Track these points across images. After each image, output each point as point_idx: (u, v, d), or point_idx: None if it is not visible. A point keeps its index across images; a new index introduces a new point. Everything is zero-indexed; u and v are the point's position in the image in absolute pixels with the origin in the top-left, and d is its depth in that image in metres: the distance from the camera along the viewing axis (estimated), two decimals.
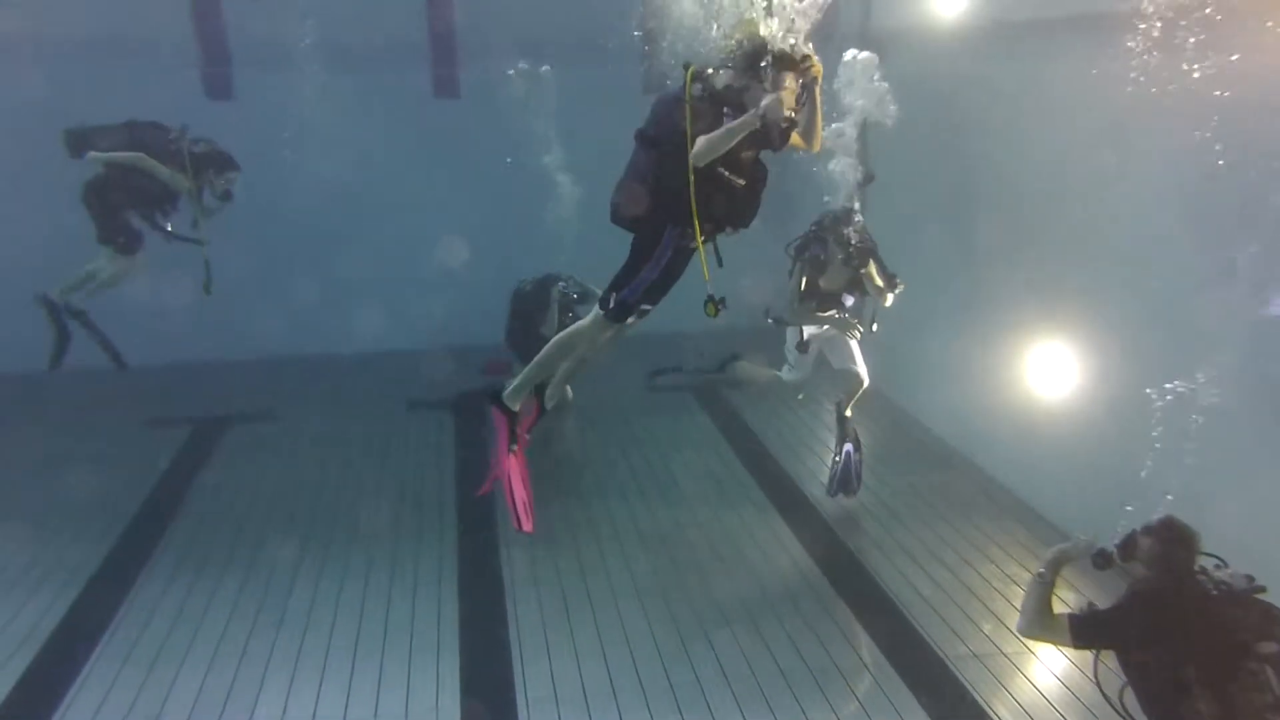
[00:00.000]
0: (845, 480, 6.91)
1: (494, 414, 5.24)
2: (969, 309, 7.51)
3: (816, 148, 4.66)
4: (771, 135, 4.39)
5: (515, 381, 5.14)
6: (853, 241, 6.38)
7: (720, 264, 4.80)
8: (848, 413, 6.87)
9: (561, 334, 5.03)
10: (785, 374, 7.33)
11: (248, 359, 9.62)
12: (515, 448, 5.24)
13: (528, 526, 5.24)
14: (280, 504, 7.05)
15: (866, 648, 5.35)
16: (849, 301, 6.64)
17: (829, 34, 6.97)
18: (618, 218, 4.84)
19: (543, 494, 7.04)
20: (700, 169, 4.38)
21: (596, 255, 8.70)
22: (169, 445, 8.04)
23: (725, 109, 4.41)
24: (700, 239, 4.49)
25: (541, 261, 8.32)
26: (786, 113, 4.27)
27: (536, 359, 5.08)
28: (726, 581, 6.06)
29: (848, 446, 6.85)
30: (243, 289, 9.36)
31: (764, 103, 4.21)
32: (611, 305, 4.65)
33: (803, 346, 6.92)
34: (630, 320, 4.86)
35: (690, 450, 8.09)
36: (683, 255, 4.66)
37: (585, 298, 7.99)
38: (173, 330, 9.23)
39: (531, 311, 8.13)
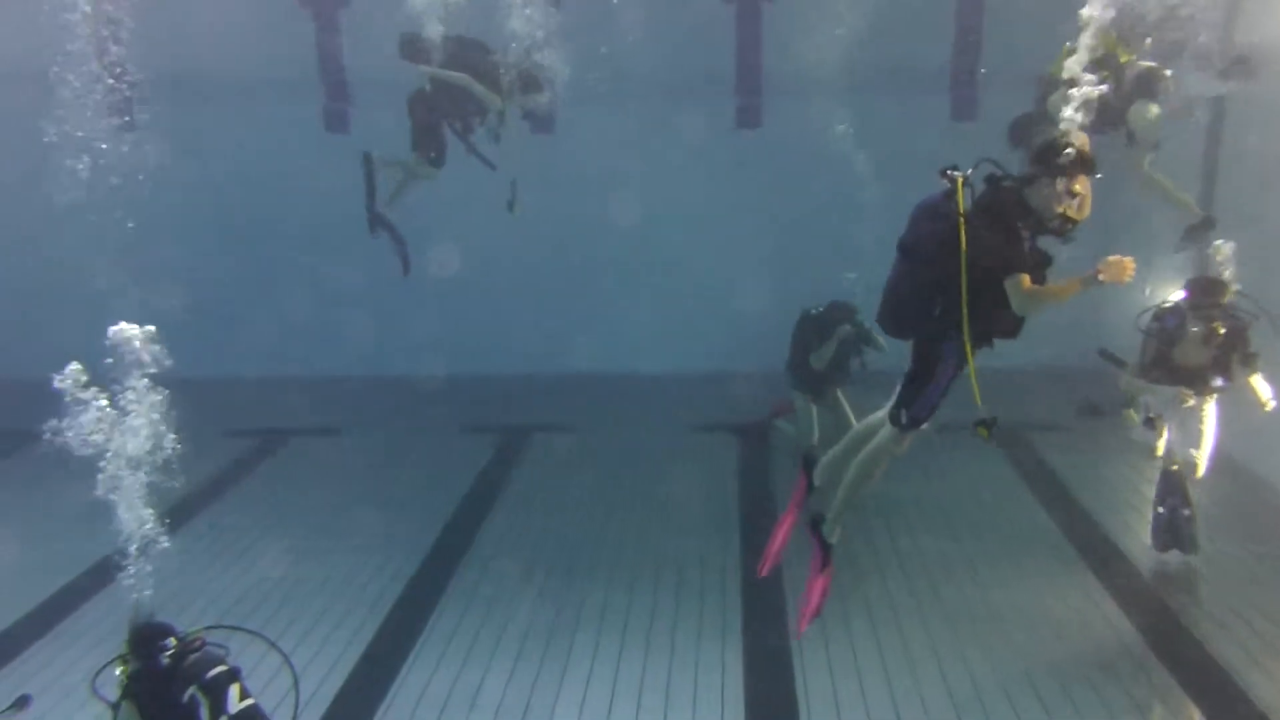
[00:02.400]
0: (1176, 534, 6.18)
1: (811, 537, 5.07)
2: None
3: (1085, 215, 4.26)
4: (1056, 229, 4.23)
5: (831, 512, 4.94)
6: (1217, 319, 5.70)
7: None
8: (1173, 467, 6.16)
9: (863, 456, 4.81)
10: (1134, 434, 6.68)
11: (553, 373, 10.30)
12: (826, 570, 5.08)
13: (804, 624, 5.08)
14: (575, 516, 7.45)
15: None
16: (1218, 382, 5.87)
17: (1178, 52, 6.36)
18: (889, 329, 4.68)
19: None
20: (977, 281, 4.13)
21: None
22: (483, 450, 8.79)
23: (1019, 222, 4.14)
24: (972, 357, 4.27)
25: (836, 291, 8.22)
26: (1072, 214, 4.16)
27: (846, 485, 4.83)
28: (1029, 638, 5.60)
29: (1172, 501, 6.14)
30: (548, 307, 10.18)
31: (1103, 272, 4.03)
32: (905, 421, 4.50)
33: (1150, 424, 6.20)
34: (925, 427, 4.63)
35: (988, 495, 7.61)
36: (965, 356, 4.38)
37: (866, 340, 7.75)
38: (489, 343, 10.18)
39: (810, 338, 8.04)
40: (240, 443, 9.04)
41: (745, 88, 9.80)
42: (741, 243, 9.83)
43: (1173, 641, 5.51)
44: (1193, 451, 6.09)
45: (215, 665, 3.79)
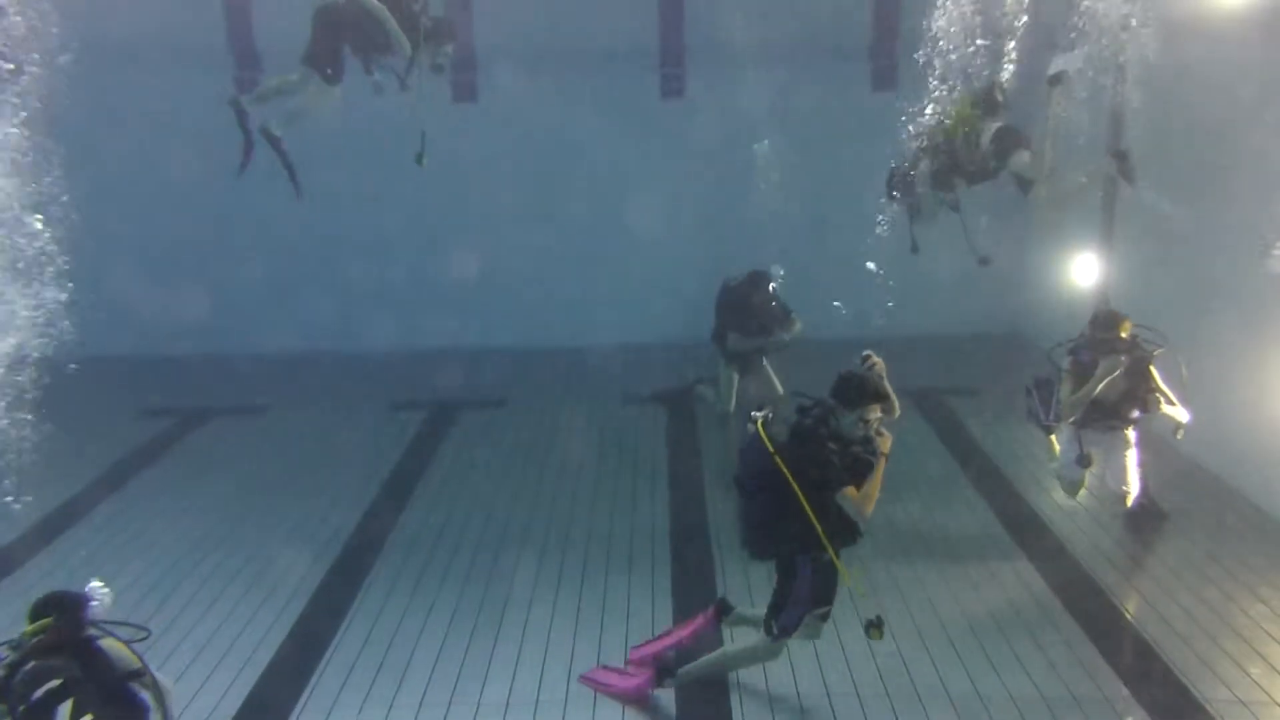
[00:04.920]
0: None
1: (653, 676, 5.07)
2: (1243, 319, 6.72)
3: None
4: (862, 449, 4.60)
5: (687, 669, 5.02)
6: (1122, 349, 5.84)
7: None
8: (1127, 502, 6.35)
9: (734, 651, 5.03)
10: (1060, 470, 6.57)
11: (482, 347, 10.23)
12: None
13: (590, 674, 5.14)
14: (505, 483, 7.47)
15: (1108, 679, 4.95)
16: (1135, 415, 6.06)
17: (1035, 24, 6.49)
18: (755, 553, 4.92)
19: None
20: (816, 499, 4.48)
21: (811, 253, 8.58)
22: (410, 425, 8.71)
23: (829, 444, 4.51)
24: (837, 558, 4.59)
25: (756, 260, 8.28)
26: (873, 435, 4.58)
27: (709, 662, 5.00)
28: (947, 594, 5.80)
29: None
30: (469, 282, 10.08)
31: (885, 447, 4.53)
32: (775, 631, 4.77)
33: (1084, 460, 6.22)
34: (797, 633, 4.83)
35: (907, 457, 7.75)
36: (827, 567, 4.66)
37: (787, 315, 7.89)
38: (418, 316, 10.04)
39: (733, 306, 8.07)
40: (157, 423, 8.77)
41: (668, 57, 9.78)
42: (665, 212, 9.83)
43: (1081, 595, 5.75)
44: (1122, 487, 6.23)
45: (45, 681, 3.32)
